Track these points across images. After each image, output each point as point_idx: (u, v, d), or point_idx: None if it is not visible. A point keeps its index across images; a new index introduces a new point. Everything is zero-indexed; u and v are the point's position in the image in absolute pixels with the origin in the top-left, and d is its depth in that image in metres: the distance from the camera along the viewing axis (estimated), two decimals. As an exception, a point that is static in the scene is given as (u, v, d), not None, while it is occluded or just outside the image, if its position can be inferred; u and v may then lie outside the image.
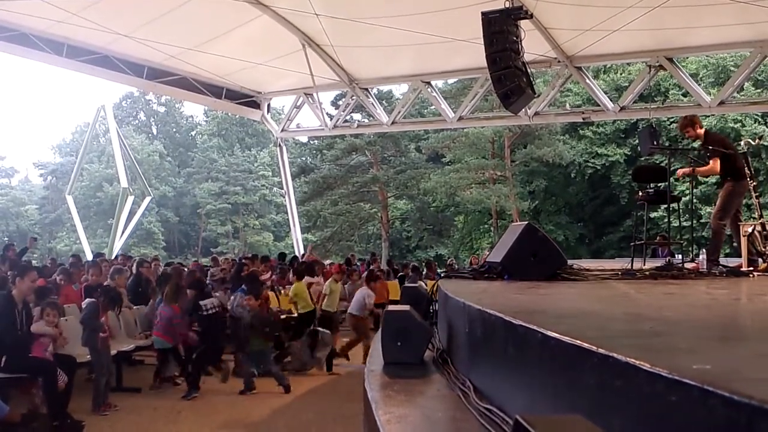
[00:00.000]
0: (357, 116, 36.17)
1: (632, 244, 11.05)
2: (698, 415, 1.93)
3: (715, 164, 9.44)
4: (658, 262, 10.09)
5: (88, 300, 10.78)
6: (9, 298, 9.12)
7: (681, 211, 12.37)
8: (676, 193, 10.72)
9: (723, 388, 1.85)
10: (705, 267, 9.02)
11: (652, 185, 11.52)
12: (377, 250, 48.71)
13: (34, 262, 29.69)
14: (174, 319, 11.51)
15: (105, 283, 11.98)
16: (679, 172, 10.43)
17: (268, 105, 25.99)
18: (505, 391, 3.69)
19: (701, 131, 9.84)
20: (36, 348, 9.04)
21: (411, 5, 16.89)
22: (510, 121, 26.91)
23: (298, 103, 25.32)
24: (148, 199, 37.51)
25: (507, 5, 13.40)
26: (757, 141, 11.88)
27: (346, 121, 26.88)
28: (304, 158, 60.09)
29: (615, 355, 2.36)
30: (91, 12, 17.59)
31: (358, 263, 24.63)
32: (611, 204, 46.92)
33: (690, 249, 11.12)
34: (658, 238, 16.19)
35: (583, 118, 25.39)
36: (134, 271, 15.81)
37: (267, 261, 19.63)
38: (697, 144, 9.97)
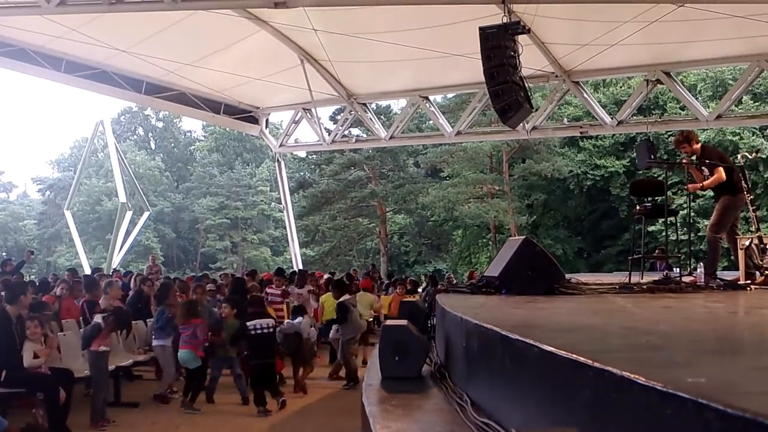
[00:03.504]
0: (355, 131, 36.37)
1: (630, 257, 11.05)
2: (693, 428, 1.94)
3: (720, 174, 9.43)
4: (656, 276, 10.10)
5: (95, 320, 10.68)
6: (4, 314, 9.12)
7: (679, 224, 12.36)
8: (673, 206, 10.71)
9: (717, 401, 1.86)
10: (702, 280, 9.03)
11: (649, 199, 11.55)
12: (376, 264, 48.68)
13: (32, 276, 29.69)
14: (197, 331, 11.53)
15: (113, 302, 11.91)
16: (691, 186, 10.29)
17: (267, 120, 26.00)
18: (503, 405, 3.70)
19: (697, 146, 9.85)
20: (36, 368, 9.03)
21: (409, 21, 16.93)
22: (508, 135, 26.95)
23: (297, 118, 25.31)
24: (146, 214, 37.47)
25: (504, 20, 13.43)
26: (753, 154, 11.92)
27: (344, 136, 26.96)
28: (302, 173, 60.21)
29: (611, 368, 2.38)
30: (90, 27, 17.62)
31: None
32: (609, 218, 46.92)
33: (688, 263, 11.14)
34: (656, 251, 16.23)
35: (581, 133, 25.53)
36: (135, 286, 15.85)
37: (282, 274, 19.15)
38: (693, 159, 9.92)
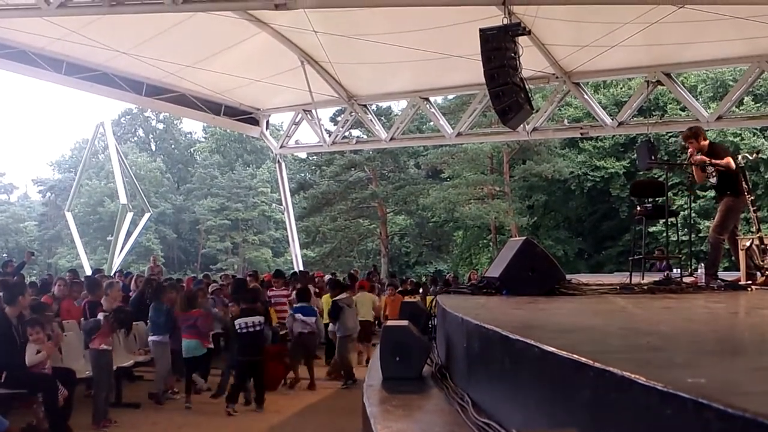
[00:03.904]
0: (356, 132, 36.33)
1: (631, 258, 11.06)
2: (693, 428, 1.94)
3: (730, 162, 9.36)
4: (657, 277, 10.10)
5: (98, 317, 10.72)
6: (3, 315, 9.12)
7: (679, 225, 12.37)
8: (674, 207, 10.70)
9: (717, 401, 1.87)
10: (703, 281, 9.02)
11: (650, 200, 11.55)
12: (377, 265, 48.68)
13: (33, 277, 29.67)
14: (198, 321, 11.67)
15: (116, 304, 11.94)
16: (696, 159, 9.94)
17: (267, 121, 25.99)
18: (503, 405, 3.70)
19: (705, 143, 9.79)
20: (34, 367, 9.01)
21: (409, 22, 16.93)
22: (508, 136, 26.95)
23: (297, 120, 25.30)
24: (147, 215, 37.47)
25: (505, 22, 13.44)
26: (754, 155, 11.89)
27: (344, 137, 26.95)
28: (303, 174, 60.25)
29: (611, 369, 2.38)
30: (90, 29, 17.63)
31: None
32: (610, 218, 46.95)
33: (688, 263, 11.14)
34: (655, 252, 16.22)
35: (582, 134, 25.53)
36: (136, 287, 15.89)
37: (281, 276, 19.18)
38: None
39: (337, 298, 14.05)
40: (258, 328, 11.46)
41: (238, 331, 11.39)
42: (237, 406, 11.27)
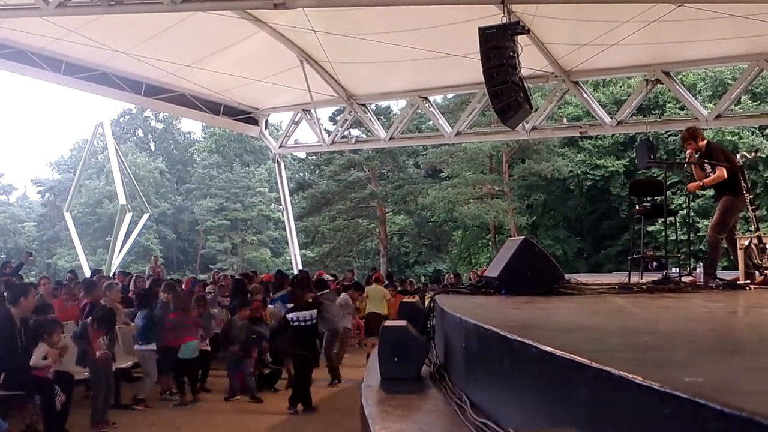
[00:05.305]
0: (355, 132, 36.29)
1: (629, 258, 11.05)
2: (691, 428, 1.93)
3: (721, 172, 9.36)
4: (656, 276, 10.09)
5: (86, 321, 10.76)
6: (7, 316, 9.10)
7: (678, 224, 12.36)
8: (673, 206, 10.68)
9: (715, 400, 1.86)
10: (702, 280, 9.01)
11: (649, 199, 11.54)
12: (376, 265, 48.64)
13: (32, 278, 29.67)
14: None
15: (101, 302, 11.92)
16: (691, 186, 10.18)
17: (266, 121, 25.98)
18: (502, 405, 3.69)
19: (702, 143, 9.79)
20: (40, 371, 9.01)
21: (408, 21, 16.94)
22: (508, 135, 26.90)
23: (296, 119, 25.30)
24: (146, 215, 37.38)
25: (504, 21, 13.44)
26: (753, 154, 11.88)
27: (344, 136, 26.92)
28: (302, 174, 60.23)
29: (609, 368, 2.37)
30: (89, 29, 17.62)
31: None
32: (609, 218, 46.93)
33: (687, 262, 11.12)
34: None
35: (581, 133, 25.49)
36: (137, 287, 15.89)
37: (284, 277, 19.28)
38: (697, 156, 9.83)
39: (320, 293, 14.21)
40: (311, 323, 11.54)
41: (292, 324, 11.48)
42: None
